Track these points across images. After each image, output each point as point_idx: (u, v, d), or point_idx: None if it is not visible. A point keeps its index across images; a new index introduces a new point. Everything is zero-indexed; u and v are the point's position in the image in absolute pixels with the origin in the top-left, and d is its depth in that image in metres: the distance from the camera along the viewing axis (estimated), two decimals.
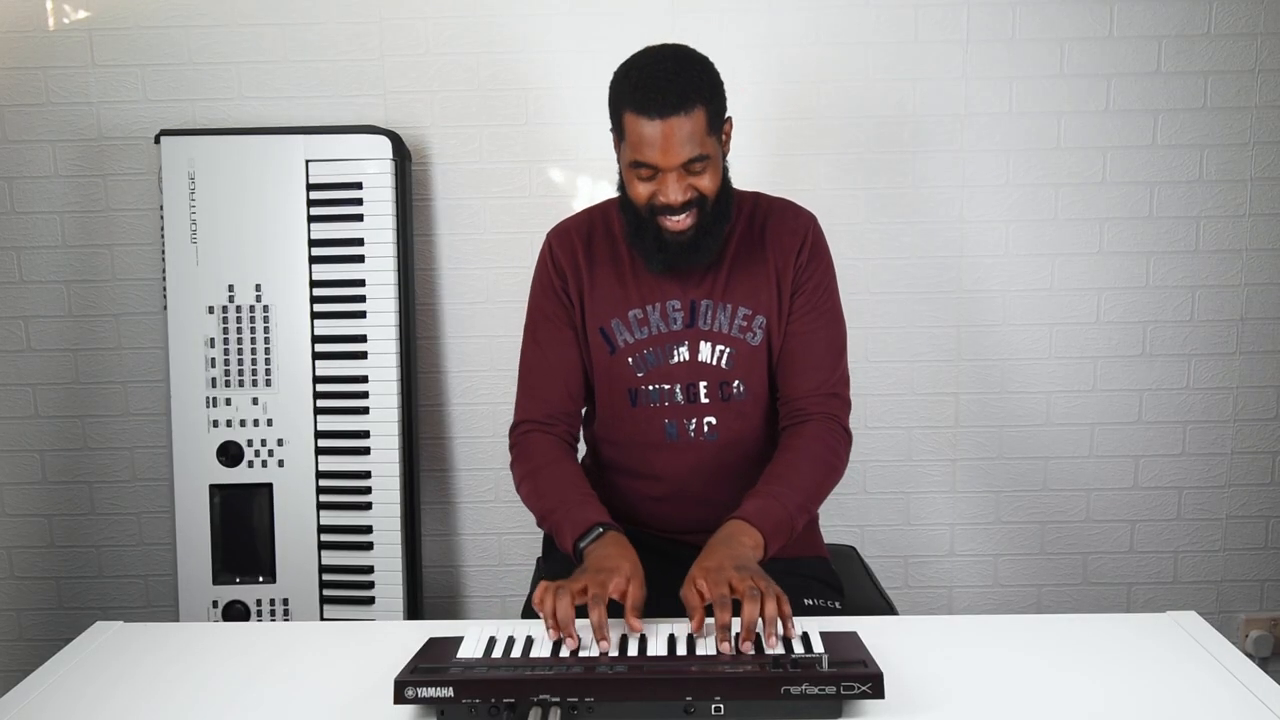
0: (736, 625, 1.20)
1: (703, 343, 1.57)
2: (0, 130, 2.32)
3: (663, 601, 1.35)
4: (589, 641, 1.22)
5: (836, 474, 1.55)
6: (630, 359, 1.59)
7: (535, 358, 1.64)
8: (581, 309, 1.61)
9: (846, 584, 1.73)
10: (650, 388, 1.59)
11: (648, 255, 1.52)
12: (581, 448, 1.79)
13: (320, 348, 2.17)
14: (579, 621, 1.25)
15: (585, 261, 1.61)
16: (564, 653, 1.21)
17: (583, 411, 1.68)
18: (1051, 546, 2.45)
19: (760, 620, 1.20)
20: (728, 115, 1.52)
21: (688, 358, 1.58)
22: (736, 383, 1.58)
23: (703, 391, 1.58)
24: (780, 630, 1.20)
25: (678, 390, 1.58)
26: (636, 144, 1.43)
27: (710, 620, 1.25)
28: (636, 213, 1.49)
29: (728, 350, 1.57)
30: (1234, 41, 2.27)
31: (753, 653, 1.17)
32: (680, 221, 1.47)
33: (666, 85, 1.40)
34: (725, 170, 1.53)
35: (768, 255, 1.58)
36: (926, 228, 2.34)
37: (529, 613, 1.61)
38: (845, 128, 2.31)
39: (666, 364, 1.58)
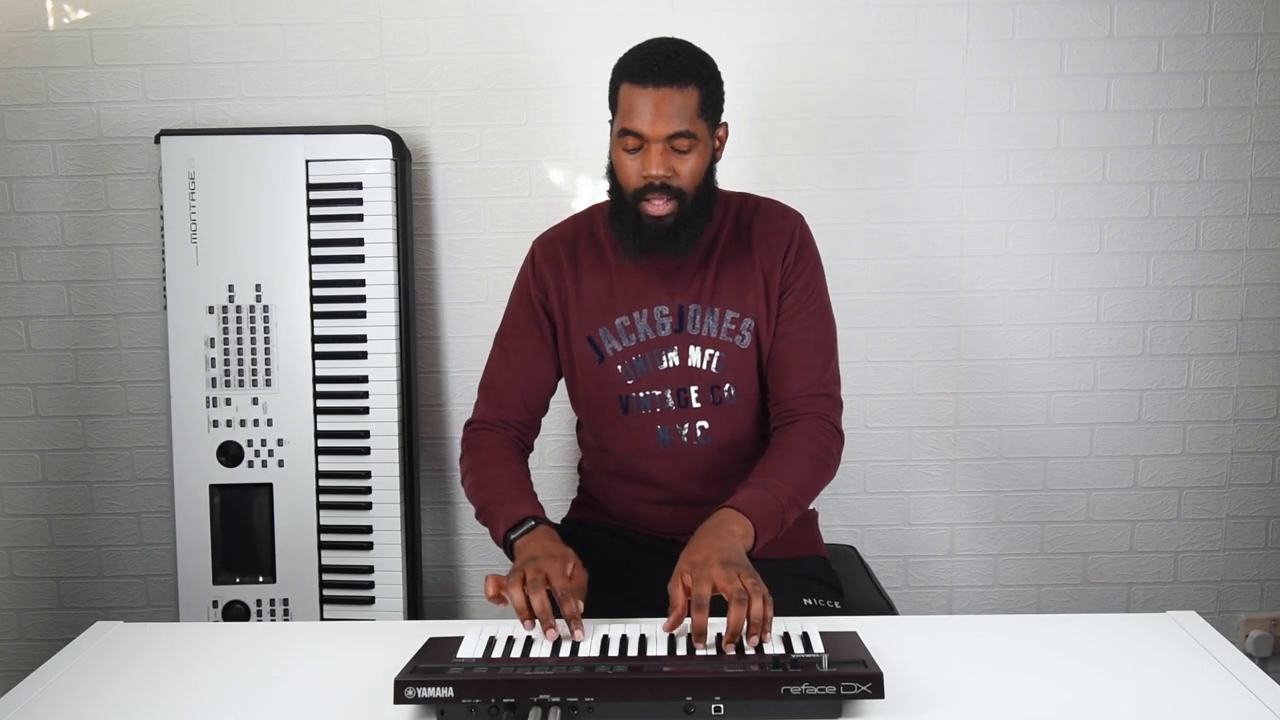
0: (718, 626, 1.20)
1: (692, 347, 1.57)
2: (0, 130, 2.32)
3: (660, 602, 1.35)
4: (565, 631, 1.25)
5: (829, 471, 1.54)
6: (619, 366, 1.58)
7: (499, 364, 1.65)
8: (565, 320, 1.61)
9: (846, 584, 1.73)
10: (641, 394, 1.58)
11: (625, 238, 1.52)
12: (577, 453, 1.79)
13: (320, 348, 2.17)
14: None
15: (570, 271, 1.60)
16: (548, 646, 1.22)
17: (540, 422, 1.67)
18: (1051, 546, 2.45)
19: (745, 623, 1.19)
20: (724, 121, 1.52)
21: (677, 363, 1.57)
22: (727, 386, 1.58)
23: (694, 396, 1.58)
24: (760, 633, 1.19)
25: (669, 396, 1.58)
26: (627, 111, 1.45)
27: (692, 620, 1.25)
28: (621, 195, 1.50)
29: (717, 354, 1.57)
30: (1234, 41, 2.27)
31: (732, 653, 1.17)
32: (659, 206, 1.47)
33: (664, 60, 1.43)
34: (712, 170, 1.53)
35: (754, 256, 1.57)
36: (926, 227, 2.34)
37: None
38: (845, 128, 2.31)
39: (656, 370, 1.58)
